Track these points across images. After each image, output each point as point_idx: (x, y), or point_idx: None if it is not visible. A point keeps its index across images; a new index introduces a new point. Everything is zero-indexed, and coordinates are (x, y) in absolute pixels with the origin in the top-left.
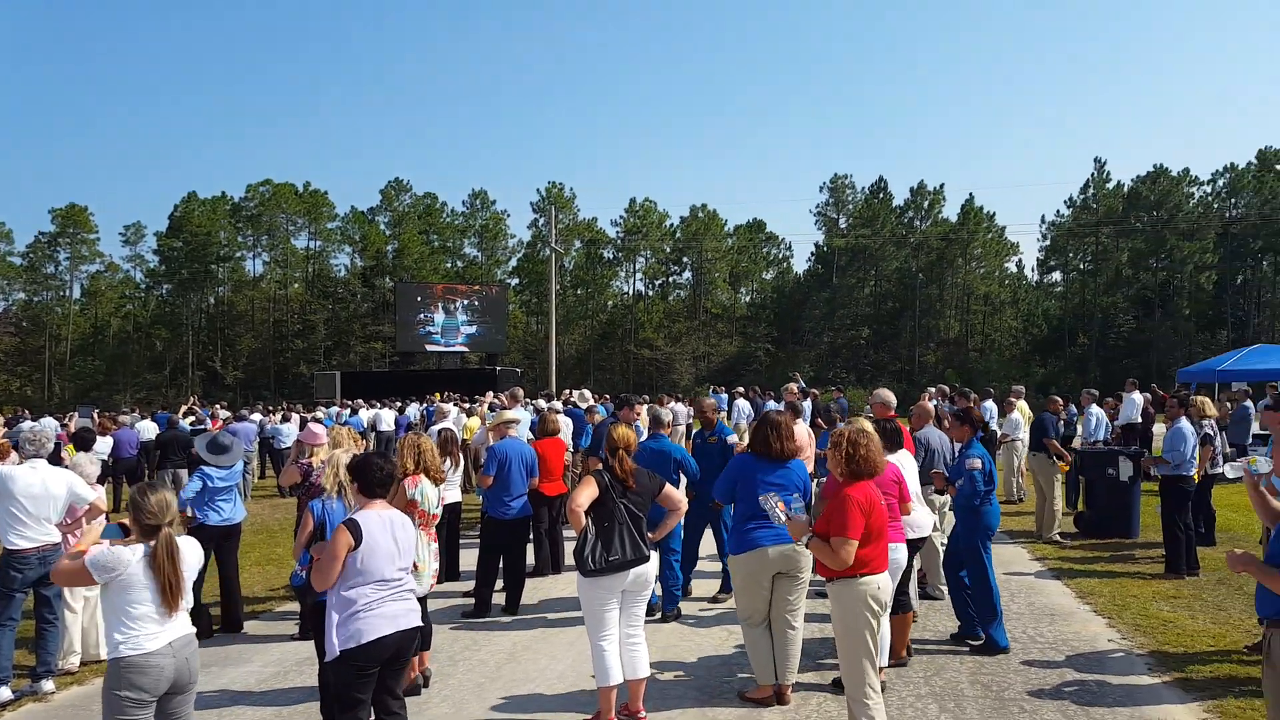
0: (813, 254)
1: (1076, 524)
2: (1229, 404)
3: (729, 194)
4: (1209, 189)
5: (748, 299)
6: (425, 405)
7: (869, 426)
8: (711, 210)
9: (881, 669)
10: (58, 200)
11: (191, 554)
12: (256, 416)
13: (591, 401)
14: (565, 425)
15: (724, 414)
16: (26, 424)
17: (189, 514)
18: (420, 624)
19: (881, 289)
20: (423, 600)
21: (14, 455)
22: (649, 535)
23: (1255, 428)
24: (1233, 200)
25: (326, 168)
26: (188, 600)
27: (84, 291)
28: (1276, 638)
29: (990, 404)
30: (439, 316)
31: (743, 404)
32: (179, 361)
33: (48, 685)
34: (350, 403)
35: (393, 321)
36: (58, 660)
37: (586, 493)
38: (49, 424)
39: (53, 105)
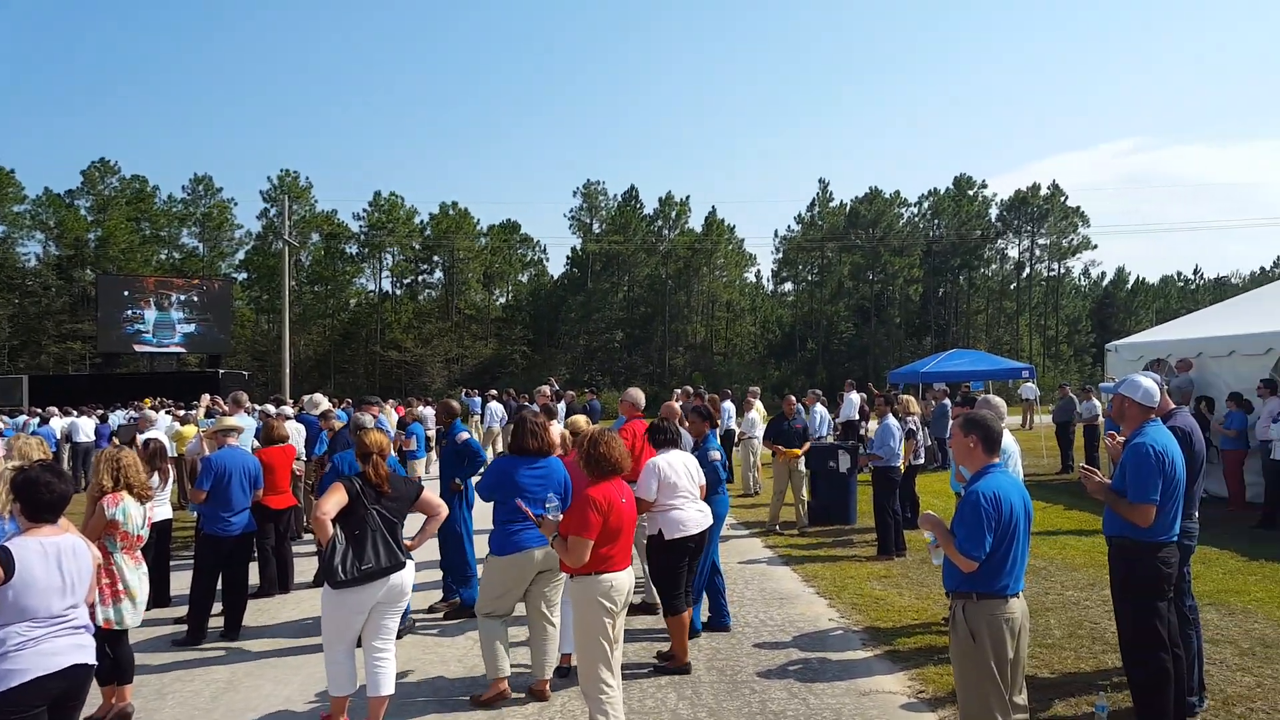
0: (568, 258)
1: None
2: (931, 401)
3: (482, 193)
4: (915, 210)
5: (503, 300)
6: (130, 412)
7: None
8: (463, 208)
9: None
10: None
11: None
12: None
13: (326, 405)
14: (295, 432)
15: (476, 416)
16: None
17: None
18: (92, 661)
19: (634, 294)
20: (120, 632)
21: None
22: (406, 543)
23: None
24: (935, 221)
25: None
26: None
27: None
28: (959, 608)
29: (729, 404)
30: (150, 313)
31: (496, 407)
32: None
33: None
34: (40, 410)
35: (94, 318)
36: None
37: (334, 500)
38: None
39: None
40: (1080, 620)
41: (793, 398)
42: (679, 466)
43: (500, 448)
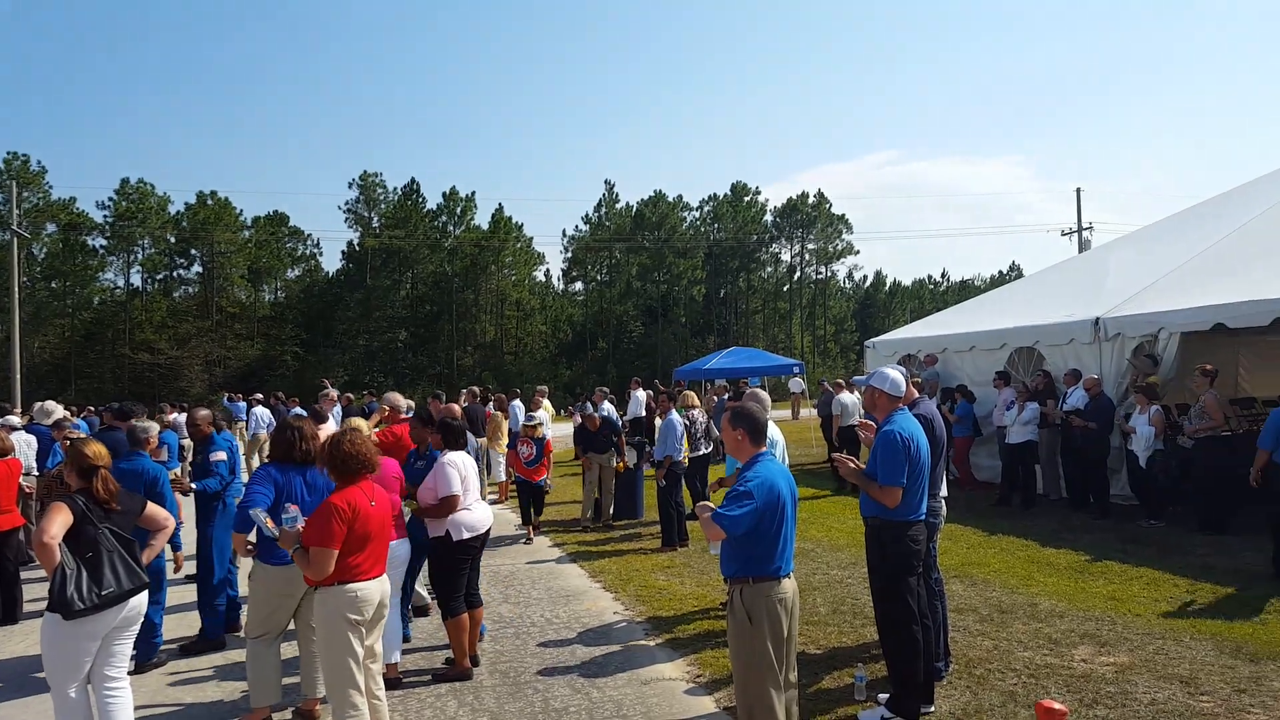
0: (344, 252)
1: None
2: (714, 397)
3: (244, 182)
4: (698, 214)
5: (271, 298)
6: None
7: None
8: (223, 198)
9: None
10: None
11: None
12: None
13: (61, 414)
14: (25, 444)
15: (241, 423)
16: None
17: None
18: None
19: (418, 292)
20: None
21: None
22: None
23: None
24: (715, 225)
25: None
26: None
27: None
28: (736, 592)
29: (518, 403)
30: None
31: (261, 412)
32: None
33: None
34: None
35: None
36: None
37: (59, 521)
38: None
39: None
40: (844, 597)
41: (596, 417)
42: (469, 467)
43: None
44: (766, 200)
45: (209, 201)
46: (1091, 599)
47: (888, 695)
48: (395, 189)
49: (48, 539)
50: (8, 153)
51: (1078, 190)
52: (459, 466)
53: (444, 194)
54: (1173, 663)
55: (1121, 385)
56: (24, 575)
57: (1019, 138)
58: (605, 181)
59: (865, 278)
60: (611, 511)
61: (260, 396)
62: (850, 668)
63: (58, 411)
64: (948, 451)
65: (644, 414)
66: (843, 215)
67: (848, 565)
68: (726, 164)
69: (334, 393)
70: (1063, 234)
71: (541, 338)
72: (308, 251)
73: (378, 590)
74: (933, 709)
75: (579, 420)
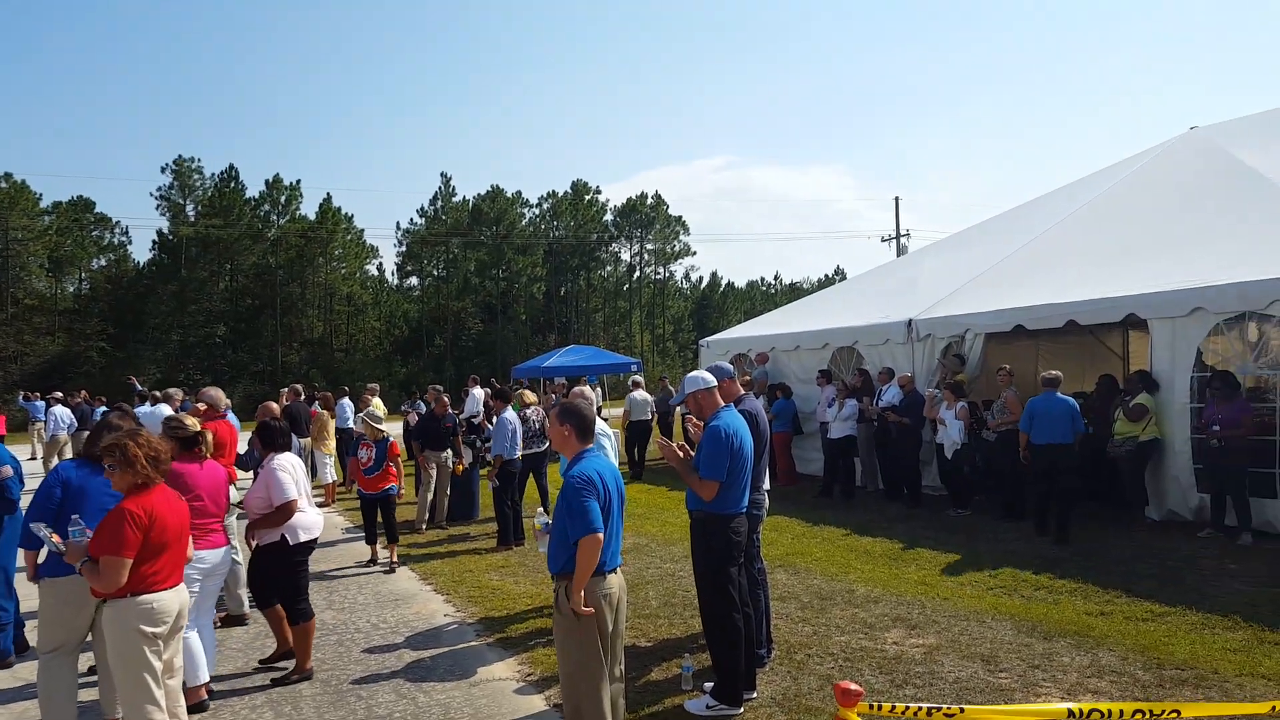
0: (155, 242)
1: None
2: (552, 395)
3: (44, 164)
4: (537, 210)
5: (74, 289)
6: None
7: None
8: (20, 181)
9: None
10: None
11: None
12: None
13: None
14: None
15: (39, 424)
16: None
17: None
18: None
19: (239, 284)
20: None
21: None
22: None
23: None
24: (555, 222)
25: None
26: None
27: None
28: (562, 589)
29: (347, 401)
30: None
31: (61, 411)
32: None
33: None
34: None
35: None
36: None
37: None
38: None
39: None
40: (674, 590)
41: (446, 398)
42: (299, 468)
43: (70, 456)
44: (607, 200)
45: (2, 184)
46: (904, 584)
47: (712, 684)
48: (213, 175)
49: None
50: None
51: (896, 199)
52: (289, 469)
53: (266, 181)
54: (976, 643)
55: (931, 382)
56: None
57: (843, 147)
58: (442, 174)
59: (701, 279)
60: (446, 513)
61: (60, 395)
62: (679, 659)
63: None
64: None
65: (480, 412)
66: (680, 217)
67: (680, 559)
68: (565, 162)
69: (176, 391)
70: (883, 240)
71: (375, 334)
72: (115, 240)
73: (176, 600)
74: (755, 695)
75: (413, 419)
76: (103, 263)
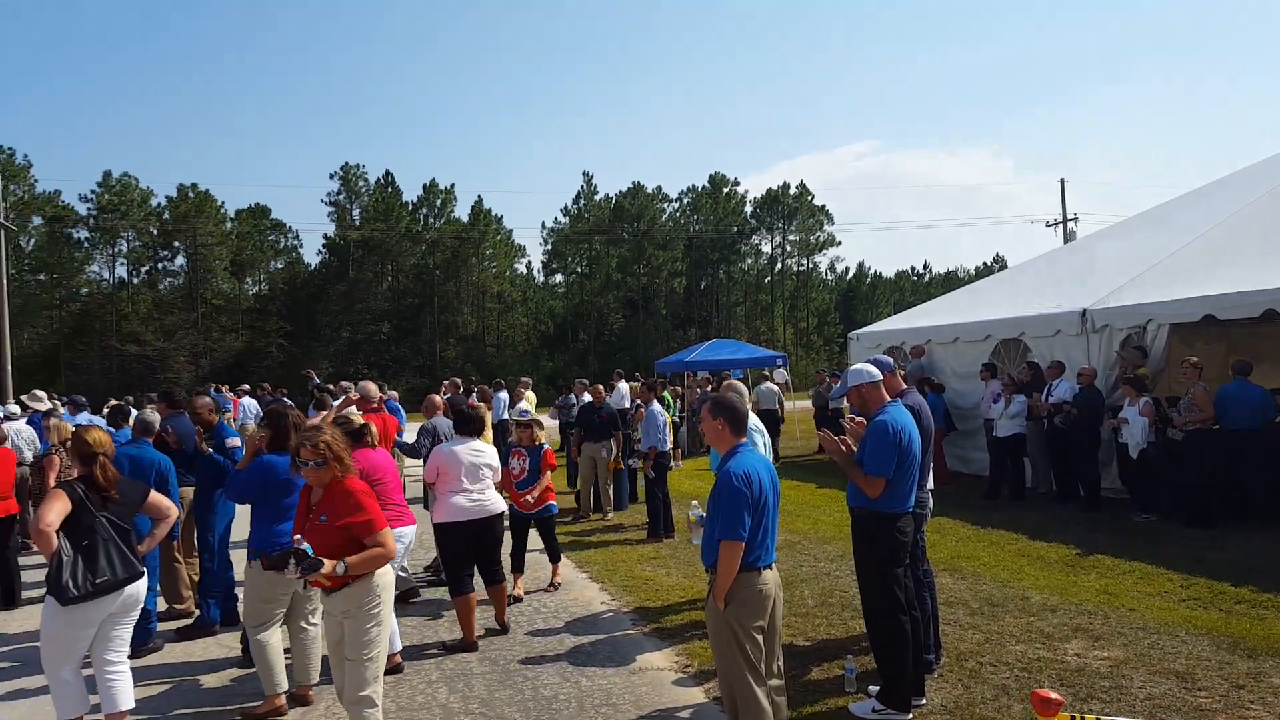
0: (325, 245)
1: (577, 501)
2: (696, 389)
3: (224, 175)
4: (677, 205)
5: (255, 290)
6: None
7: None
8: (204, 191)
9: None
10: None
11: None
12: None
13: (49, 403)
14: (21, 433)
15: (228, 414)
16: None
17: None
18: None
19: (400, 284)
20: None
21: None
22: (139, 548)
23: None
24: (695, 216)
25: None
26: None
27: None
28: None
29: (503, 394)
30: None
31: (249, 402)
32: None
33: None
34: None
35: None
36: None
37: (56, 509)
38: None
39: None
40: (831, 589)
41: (600, 386)
42: (473, 454)
43: None
44: (746, 191)
45: (190, 195)
46: (1084, 593)
47: (878, 687)
48: (376, 180)
49: (44, 526)
50: None
51: (1061, 181)
52: (446, 452)
53: (424, 186)
54: (1168, 658)
55: (1110, 377)
56: (23, 561)
57: (998, 129)
58: (584, 173)
59: (847, 269)
60: (592, 502)
61: (247, 387)
62: (839, 659)
63: (45, 400)
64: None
65: (627, 405)
66: (823, 206)
67: (835, 558)
68: (704, 155)
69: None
70: (1047, 225)
71: (523, 330)
72: (289, 244)
73: (390, 576)
74: (924, 701)
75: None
76: (279, 265)
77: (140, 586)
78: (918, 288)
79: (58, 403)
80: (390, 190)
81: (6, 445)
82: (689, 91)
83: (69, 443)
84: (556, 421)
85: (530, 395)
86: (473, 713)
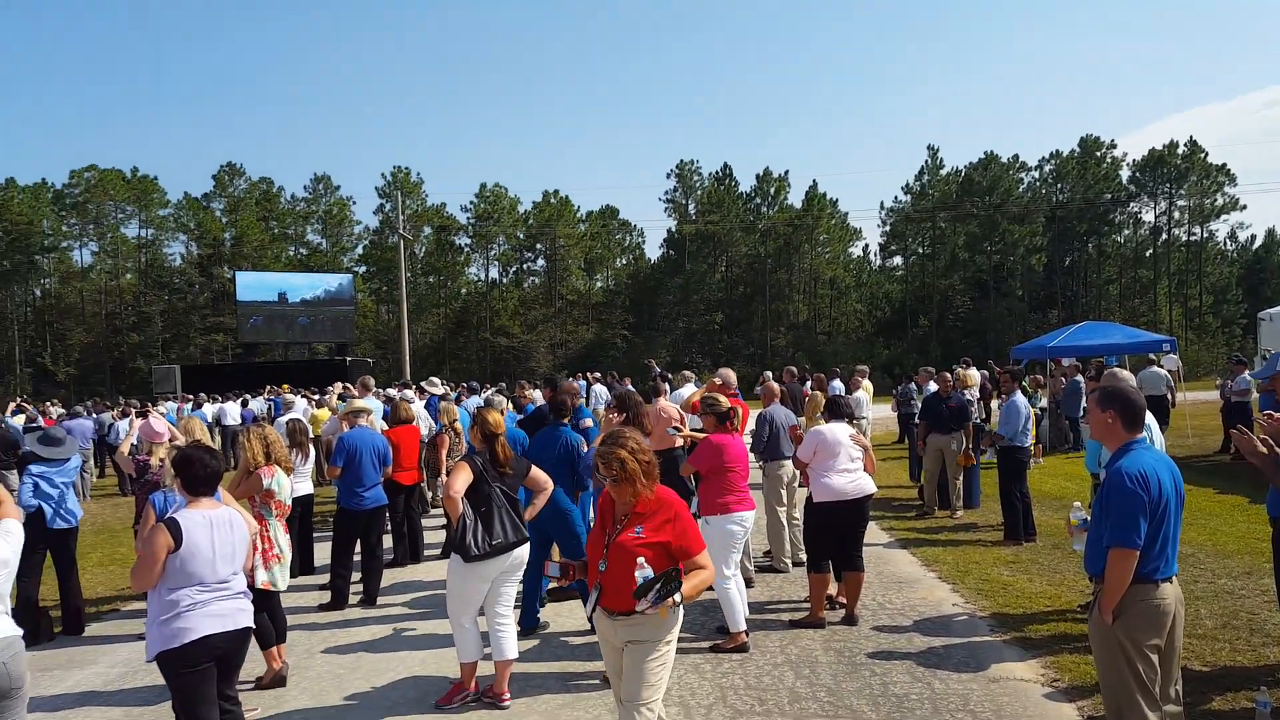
0: (664, 240)
1: (920, 496)
2: (1063, 379)
3: (580, 180)
4: (1036, 175)
5: (603, 285)
6: (270, 397)
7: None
8: (564, 196)
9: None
10: None
11: (4, 548)
12: (98, 414)
13: (442, 388)
14: (423, 414)
15: (582, 399)
16: None
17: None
18: (250, 625)
19: (732, 274)
20: (275, 594)
21: None
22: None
23: (1085, 401)
24: (1059, 185)
25: (154, 153)
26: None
27: None
28: (1099, 594)
29: (838, 383)
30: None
31: (600, 389)
32: (4, 359)
33: None
34: (192, 397)
35: (233, 312)
36: None
37: (462, 478)
38: None
39: None
40: (1235, 610)
41: (948, 375)
42: (835, 434)
43: None
44: (1124, 154)
45: (552, 200)
46: None
47: None
48: (710, 175)
49: (452, 493)
50: (394, 167)
51: None
52: (825, 433)
53: (757, 176)
54: None
55: None
56: (426, 523)
57: None
58: (928, 147)
59: (1253, 238)
60: (938, 498)
61: (598, 375)
62: (1246, 690)
63: (440, 384)
64: None
65: (978, 396)
66: (1223, 165)
67: (1239, 575)
68: (1069, 116)
69: (690, 377)
70: None
71: (857, 316)
72: (633, 241)
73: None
74: None
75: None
76: (624, 262)
77: (525, 550)
78: None
79: (447, 388)
80: (726, 182)
81: (415, 424)
82: (1050, 51)
83: (456, 423)
84: (896, 413)
85: (867, 385)
86: (820, 700)
